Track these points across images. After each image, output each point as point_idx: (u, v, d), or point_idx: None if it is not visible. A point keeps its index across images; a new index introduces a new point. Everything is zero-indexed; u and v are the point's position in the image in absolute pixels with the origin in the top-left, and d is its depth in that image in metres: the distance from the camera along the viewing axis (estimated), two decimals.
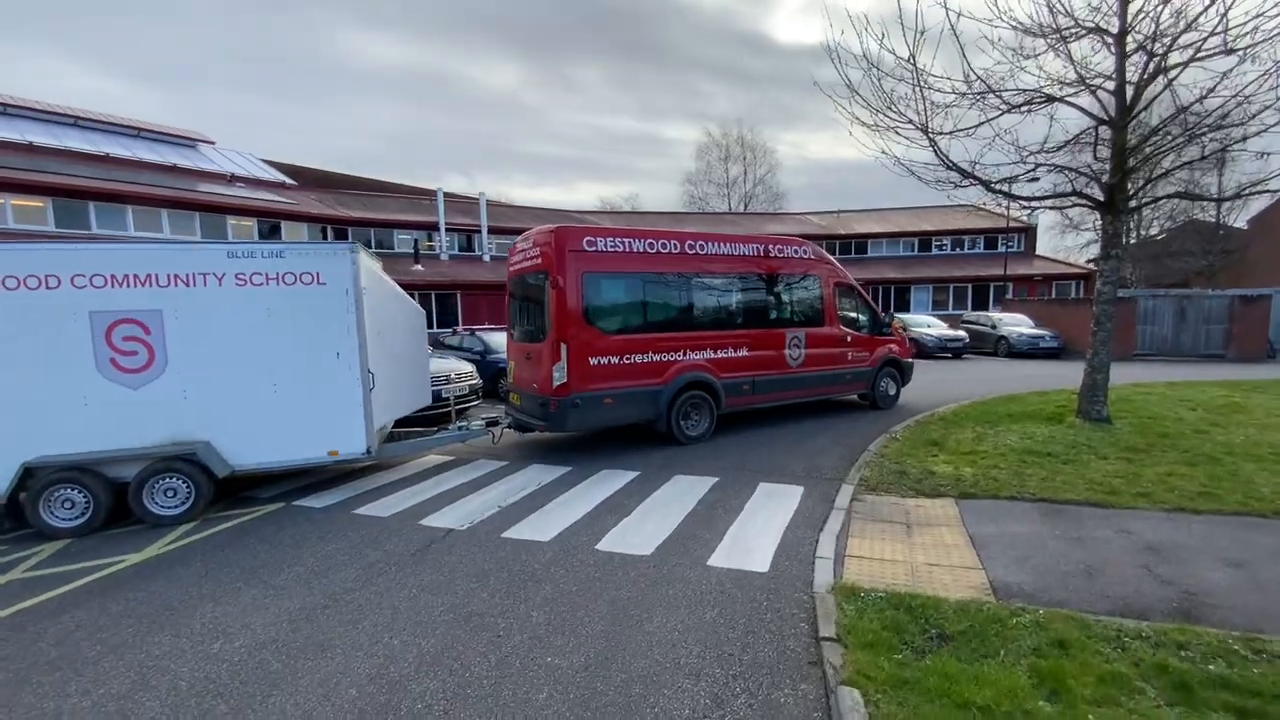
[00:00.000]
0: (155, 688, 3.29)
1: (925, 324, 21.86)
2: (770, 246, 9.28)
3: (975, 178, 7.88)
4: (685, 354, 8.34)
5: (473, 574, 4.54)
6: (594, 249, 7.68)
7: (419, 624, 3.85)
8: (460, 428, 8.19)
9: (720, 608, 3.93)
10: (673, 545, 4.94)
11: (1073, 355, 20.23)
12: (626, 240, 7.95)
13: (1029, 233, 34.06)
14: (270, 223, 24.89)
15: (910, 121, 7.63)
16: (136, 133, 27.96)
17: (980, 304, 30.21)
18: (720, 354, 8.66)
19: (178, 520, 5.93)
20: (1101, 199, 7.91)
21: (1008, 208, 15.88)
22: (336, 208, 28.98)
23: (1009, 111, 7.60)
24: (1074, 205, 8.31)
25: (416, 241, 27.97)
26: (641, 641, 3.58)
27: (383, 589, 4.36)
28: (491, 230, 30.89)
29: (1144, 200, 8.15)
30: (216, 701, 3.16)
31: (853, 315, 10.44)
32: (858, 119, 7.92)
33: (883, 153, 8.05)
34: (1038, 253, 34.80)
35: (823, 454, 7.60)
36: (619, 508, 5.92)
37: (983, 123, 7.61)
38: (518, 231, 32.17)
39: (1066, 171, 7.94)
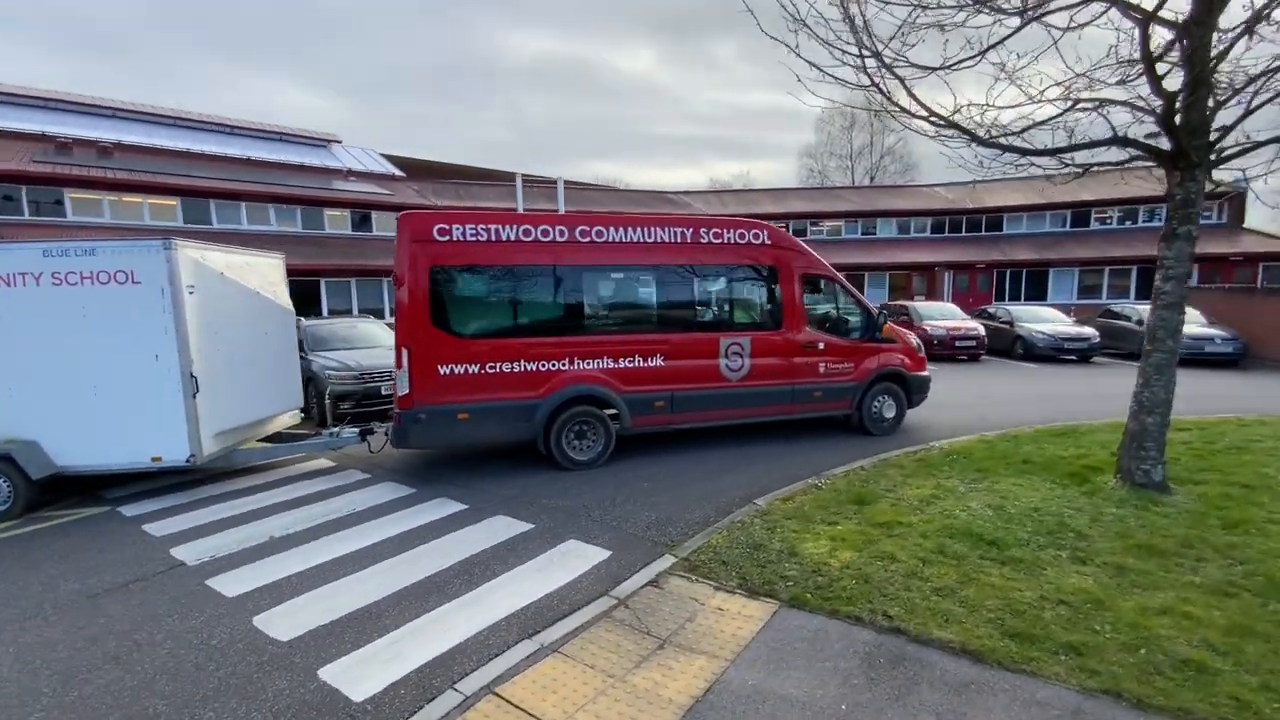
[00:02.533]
0: None
1: (1039, 317, 17.71)
2: (703, 231, 7.48)
3: (958, 127, 5.47)
4: (573, 363, 6.98)
5: (90, 637, 3.84)
6: (448, 238, 6.59)
7: None
8: (331, 434, 7.65)
9: None
10: (331, 631, 3.84)
11: (1261, 365, 15.20)
12: (492, 227, 6.74)
13: (1235, 201, 26.20)
14: (362, 213, 26.85)
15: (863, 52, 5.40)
16: (279, 136, 31.76)
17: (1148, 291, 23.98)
18: (624, 363, 7.16)
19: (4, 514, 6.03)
20: (1167, 148, 5.09)
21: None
22: (430, 198, 30.51)
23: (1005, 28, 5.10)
24: (1118, 166, 5.49)
25: None
26: None
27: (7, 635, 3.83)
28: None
29: (1234, 150, 5.09)
30: None
31: (830, 316, 8.23)
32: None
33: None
34: (1248, 226, 26.71)
35: (712, 499, 5.89)
36: (379, 554, 4.93)
37: (968, 58, 5.18)
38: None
39: (1106, 107, 5.19)
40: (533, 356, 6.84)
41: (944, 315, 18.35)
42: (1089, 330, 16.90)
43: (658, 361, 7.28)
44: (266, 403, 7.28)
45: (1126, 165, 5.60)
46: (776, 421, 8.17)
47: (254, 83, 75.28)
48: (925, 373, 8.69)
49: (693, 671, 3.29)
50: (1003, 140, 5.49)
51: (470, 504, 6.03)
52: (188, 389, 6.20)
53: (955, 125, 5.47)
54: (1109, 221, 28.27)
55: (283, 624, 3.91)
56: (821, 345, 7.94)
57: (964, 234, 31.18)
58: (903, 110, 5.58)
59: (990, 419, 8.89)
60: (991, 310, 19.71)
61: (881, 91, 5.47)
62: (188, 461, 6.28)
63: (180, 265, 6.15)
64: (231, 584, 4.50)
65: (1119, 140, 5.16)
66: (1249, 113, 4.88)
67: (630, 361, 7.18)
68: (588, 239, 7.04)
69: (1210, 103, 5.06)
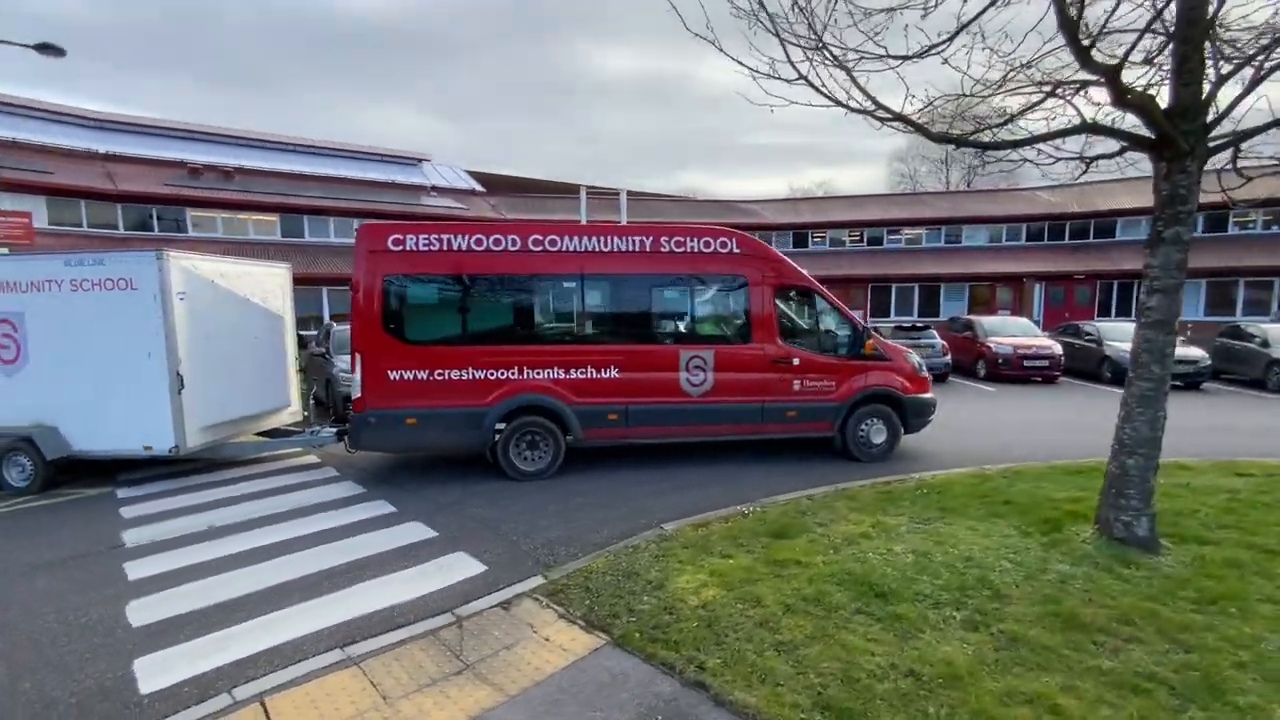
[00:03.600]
0: None
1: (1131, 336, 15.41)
2: (663, 240, 7.20)
3: (902, 117, 4.86)
4: (521, 372, 6.95)
5: None
6: (401, 248, 6.80)
7: None
8: (312, 432, 8.13)
9: None
10: (184, 621, 4.03)
11: None
12: (444, 237, 6.88)
13: None
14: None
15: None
16: (378, 157, 34.73)
17: None
18: (574, 374, 7.02)
19: (24, 491, 6.94)
20: (1152, 135, 4.20)
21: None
22: (502, 211, 32.01)
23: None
24: (1115, 155, 4.58)
25: None
26: None
27: None
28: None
29: (1232, 136, 4.06)
30: None
31: (808, 330, 7.62)
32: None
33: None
34: None
35: (632, 520, 5.59)
36: (289, 548, 5.16)
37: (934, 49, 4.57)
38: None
39: (1087, 89, 4.37)
40: (481, 364, 6.88)
41: (1013, 331, 16.52)
42: (1196, 352, 14.46)
43: (612, 373, 7.07)
44: (252, 400, 7.87)
45: (1114, 156, 4.69)
46: (761, 441, 7.69)
47: (374, 108, 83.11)
48: (927, 395, 7.79)
49: (466, 703, 3.11)
50: (954, 133, 4.82)
51: (401, 508, 6.16)
52: (174, 385, 6.85)
53: (903, 118, 4.87)
54: (1252, 226, 24.21)
55: (148, 611, 4.17)
56: (796, 361, 7.35)
57: (1065, 241, 27.96)
58: (838, 104, 5.05)
59: (1014, 449, 7.81)
60: (1079, 327, 17.48)
61: (812, 85, 4.98)
62: (171, 451, 6.92)
63: (171, 274, 6.82)
64: (141, 569, 4.87)
65: (1088, 127, 4.34)
66: (1260, 79, 3.92)
67: (582, 372, 7.03)
68: (540, 248, 7.00)
69: (1210, 74, 4.15)
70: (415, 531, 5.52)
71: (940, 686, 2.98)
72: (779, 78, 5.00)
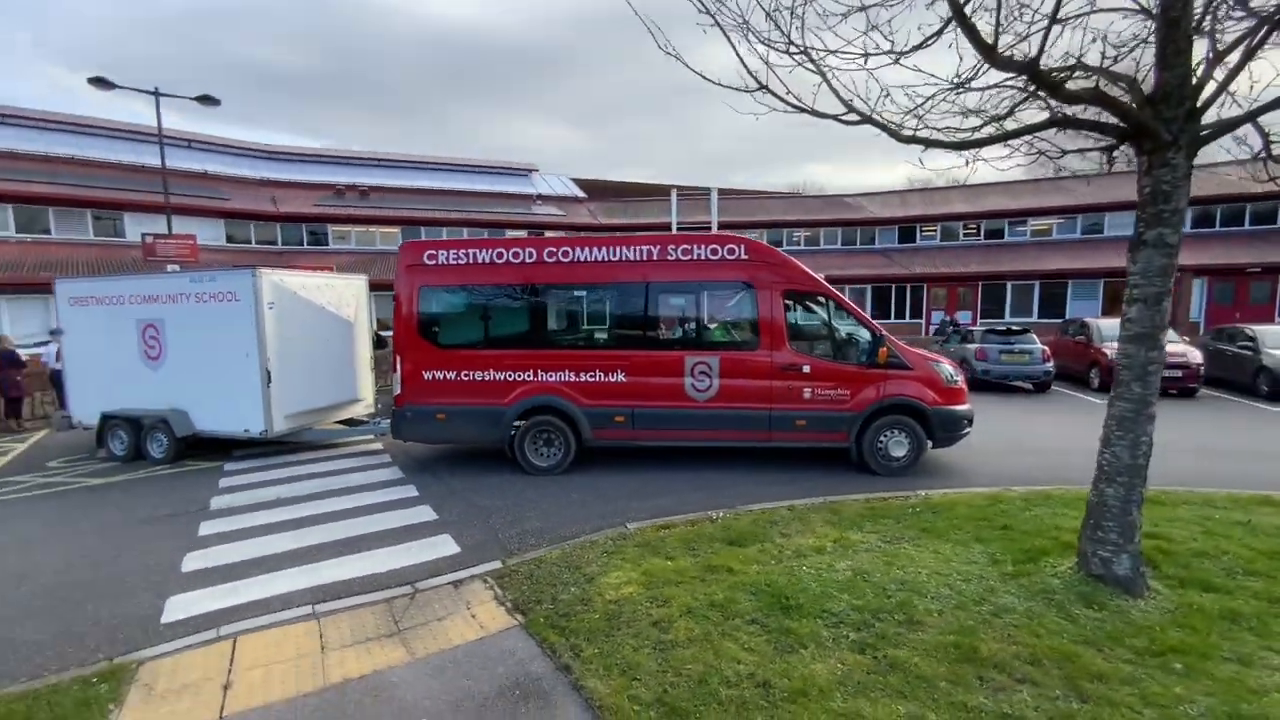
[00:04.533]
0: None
1: None
2: (670, 248, 7.38)
3: (876, 123, 4.71)
4: (536, 374, 7.51)
5: (110, 546, 5.62)
6: (435, 262, 7.65)
7: (43, 555, 5.15)
8: (376, 422, 9.32)
9: None
10: (217, 571, 5.03)
11: None
12: (470, 251, 7.62)
13: None
14: (536, 233, 30.48)
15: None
16: (491, 170, 37.68)
17: None
18: (584, 377, 7.46)
19: (162, 462, 8.74)
20: (1126, 125, 3.72)
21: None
22: (598, 216, 33.31)
23: None
24: (1073, 150, 4.06)
25: None
26: None
27: (83, 528, 5.84)
28: (723, 225, 30.74)
29: (1217, 124, 3.39)
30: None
31: (820, 337, 7.40)
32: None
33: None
34: None
35: (609, 518, 5.91)
36: (323, 520, 6.11)
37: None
38: (753, 225, 31.45)
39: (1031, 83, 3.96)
40: (501, 367, 7.54)
41: None
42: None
43: (619, 377, 7.41)
44: (327, 393, 9.20)
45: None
46: (779, 450, 7.60)
47: (507, 122, 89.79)
48: (958, 407, 7.23)
49: (378, 660, 3.65)
50: (921, 135, 4.58)
51: (422, 492, 6.98)
52: (264, 379, 8.26)
53: (872, 121, 4.72)
54: None
55: (197, 560, 5.23)
56: (807, 368, 7.19)
57: (1243, 228, 23.56)
58: (803, 110, 4.98)
59: (1068, 472, 6.97)
60: (1237, 331, 14.79)
61: (774, 94, 4.96)
62: (261, 434, 8.36)
63: (263, 287, 8.23)
64: (211, 527, 6.06)
65: (1058, 121, 3.93)
66: (1243, 62, 3.36)
67: (591, 376, 7.44)
68: (554, 259, 7.50)
69: (1207, 53, 3.62)
70: (422, 514, 6.27)
71: (784, 700, 3.01)
72: (742, 89, 5.06)
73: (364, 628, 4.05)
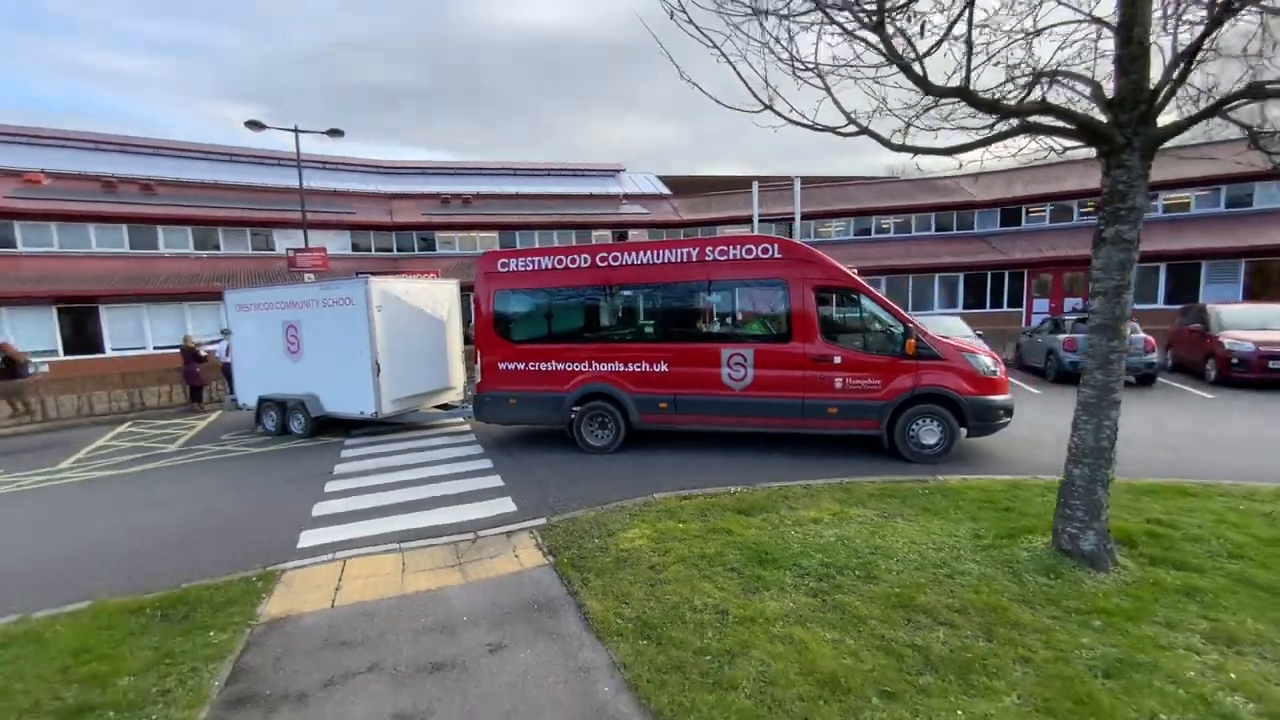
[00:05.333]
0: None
1: None
2: (709, 250, 8.06)
3: (867, 131, 5.20)
4: (590, 365, 8.53)
5: (247, 500, 7.35)
6: (506, 269, 8.87)
7: (218, 501, 6.98)
8: (465, 406, 10.79)
9: None
10: (338, 516, 6.50)
11: None
12: (535, 259, 8.75)
13: None
14: (620, 232, 31.79)
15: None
16: (580, 172, 39.55)
17: None
18: (632, 367, 8.37)
19: (301, 436, 10.75)
20: (1093, 124, 3.96)
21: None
22: (681, 213, 34.00)
23: None
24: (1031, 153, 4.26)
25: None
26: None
27: (246, 484, 7.66)
28: (806, 215, 30.28)
29: (1169, 127, 3.47)
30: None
31: (850, 329, 7.75)
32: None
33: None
34: None
35: (643, 491, 6.75)
36: (415, 482, 7.52)
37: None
38: (838, 214, 30.76)
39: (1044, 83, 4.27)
40: (561, 358, 8.64)
41: (1266, 322, 12.94)
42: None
43: (662, 367, 8.24)
44: (423, 382, 10.81)
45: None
46: (816, 437, 8.11)
47: (599, 121, 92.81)
48: (995, 397, 7.33)
49: (440, 580, 4.79)
50: (910, 144, 4.99)
51: (495, 465, 8.24)
52: (374, 370, 9.96)
53: (868, 132, 5.20)
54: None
55: (323, 508, 6.76)
56: (838, 359, 7.61)
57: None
58: (809, 125, 5.52)
59: (1121, 465, 6.89)
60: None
61: (779, 114, 5.54)
62: (372, 415, 10.08)
63: (373, 293, 9.91)
64: (333, 486, 7.65)
65: (1026, 128, 4.24)
66: (1188, 64, 3.54)
67: (638, 366, 8.33)
68: (605, 263, 8.45)
69: (1174, 60, 3.82)
70: (492, 481, 7.49)
71: (734, 623, 3.74)
72: (744, 110, 5.70)
73: (434, 560, 5.23)
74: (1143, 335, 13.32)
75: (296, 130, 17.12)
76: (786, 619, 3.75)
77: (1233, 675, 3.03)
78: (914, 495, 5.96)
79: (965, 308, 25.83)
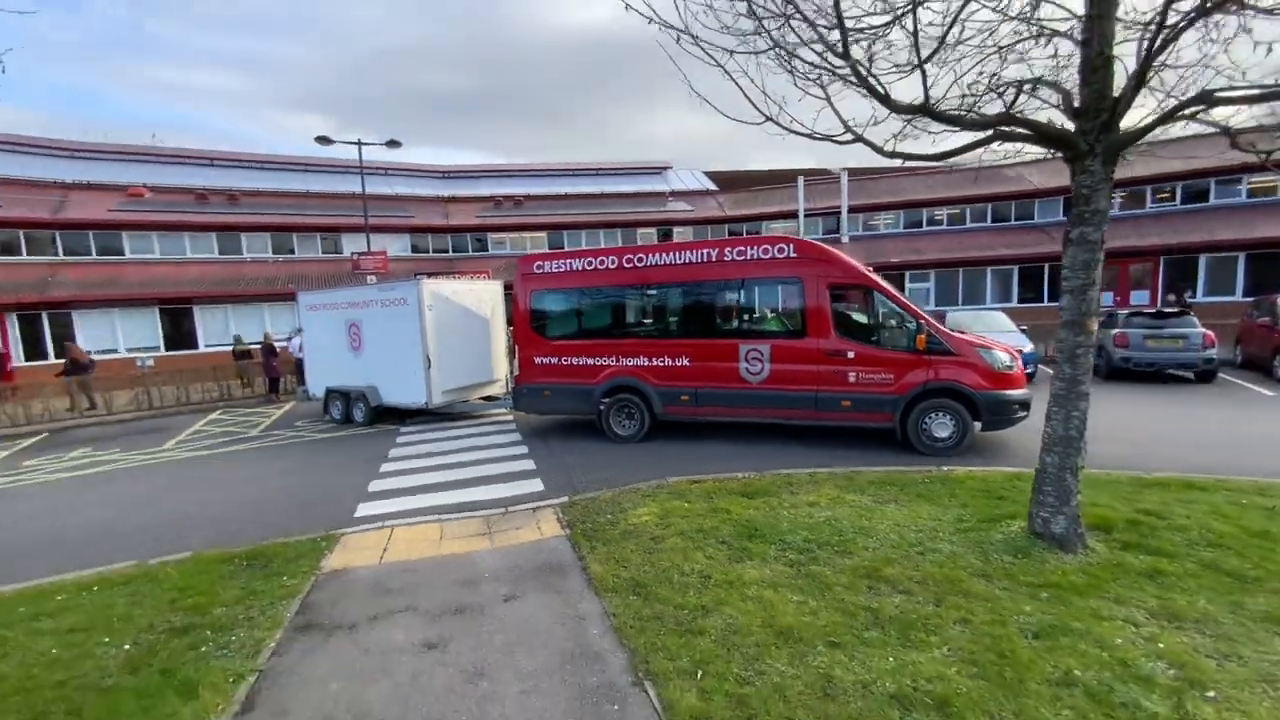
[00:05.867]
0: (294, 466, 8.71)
1: None
2: (727, 250, 8.49)
3: (861, 138, 5.55)
4: (617, 359, 9.14)
5: (312, 474, 8.38)
6: (541, 271, 9.58)
7: (290, 477, 8.05)
8: (508, 398, 11.63)
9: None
10: (391, 490, 7.38)
11: None
12: (568, 261, 9.42)
13: None
14: (664, 230, 32.25)
15: None
16: (627, 171, 40.19)
17: None
18: (656, 361, 8.91)
19: (362, 424, 11.89)
20: (1054, 132, 4.19)
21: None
22: (725, 208, 34.12)
23: None
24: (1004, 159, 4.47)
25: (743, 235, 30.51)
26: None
27: (314, 463, 8.72)
28: (854, 209, 29.89)
29: (1129, 133, 3.62)
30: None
31: (864, 325, 8.01)
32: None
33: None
34: None
35: (658, 475, 7.29)
36: (456, 464, 8.36)
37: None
38: (887, 208, 30.14)
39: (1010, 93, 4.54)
40: (591, 354, 9.29)
41: None
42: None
43: (684, 362, 8.75)
44: (470, 375, 11.72)
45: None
46: (833, 430, 8.45)
47: (647, 115, 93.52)
48: (1010, 392, 7.45)
49: (470, 546, 5.51)
50: (900, 150, 5.31)
51: (530, 451, 8.99)
52: (425, 364, 10.94)
53: (862, 139, 5.55)
54: None
55: (378, 484, 7.68)
56: (851, 354, 7.90)
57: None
58: (809, 135, 5.89)
59: (1147, 460, 6.80)
60: None
61: (780, 125, 5.95)
62: (424, 405, 11.07)
63: (424, 294, 10.87)
64: (388, 467, 8.60)
65: (1001, 135, 4.51)
66: (1142, 76, 3.75)
67: (660, 360, 8.87)
68: (630, 264, 9.02)
69: (1134, 72, 4.03)
70: (525, 465, 8.23)
71: (714, 586, 4.25)
72: (748, 121, 6.13)
73: (467, 529, 5.97)
74: (1200, 330, 12.74)
75: (360, 143, 18.55)
76: (761, 584, 4.23)
77: (1162, 645, 3.30)
78: (913, 484, 6.25)
79: (1019, 302, 24.91)
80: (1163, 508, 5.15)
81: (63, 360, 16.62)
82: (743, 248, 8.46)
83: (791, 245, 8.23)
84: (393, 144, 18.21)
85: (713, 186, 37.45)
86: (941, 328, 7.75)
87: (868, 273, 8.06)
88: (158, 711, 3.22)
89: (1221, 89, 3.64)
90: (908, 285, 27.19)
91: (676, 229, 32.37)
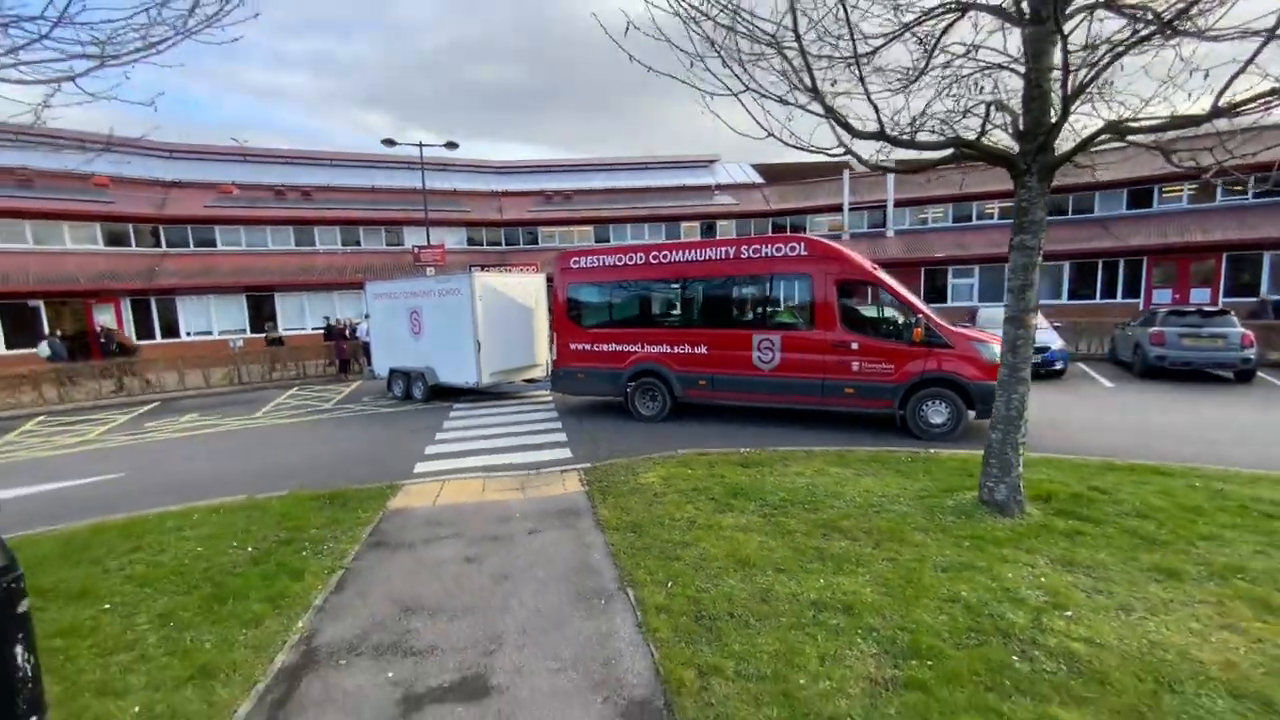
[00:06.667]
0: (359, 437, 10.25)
1: None
2: (743, 248, 9.30)
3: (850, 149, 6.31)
4: (642, 346, 10.12)
5: (375, 438, 9.76)
6: (577, 265, 10.65)
7: (360, 442, 9.48)
8: (548, 380, 12.81)
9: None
10: (442, 454, 8.64)
11: None
12: (601, 256, 10.44)
13: None
14: (708, 223, 32.87)
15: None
16: (674, 164, 40.86)
17: None
18: (677, 349, 9.84)
19: (420, 401, 13.34)
20: (995, 152, 4.85)
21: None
22: (771, 201, 34.35)
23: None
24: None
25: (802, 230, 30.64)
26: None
27: (379, 431, 10.15)
28: (900, 202, 29.68)
29: (1060, 156, 4.19)
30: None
31: (868, 318, 8.66)
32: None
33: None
34: None
35: (672, 448, 8.27)
36: (500, 436, 9.58)
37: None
38: (934, 201, 29.76)
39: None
40: (619, 341, 10.31)
41: None
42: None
43: (702, 350, 9.64)
44: (515, 359, 12.96)
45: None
46: (842, 416, 9.19)
47: (697, 106, 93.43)
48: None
49: (506, 497, 6.64)
50: (883, 162, 6.03)
51: (564, 426, 10.11)
52: (476, 348, 12.24)
53: (852, 153, 6.30)
54: None
55: (434, 448, 8.97)
56: (855, 345, 8.59)
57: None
58: (805, 148, 6.66)
59: (1143, 451, 7.23)
60: None
61: (780, 139, 6.74)
62: (474, 385, 12.39)
63: (475, 285, 12.15)
64: (442, 435, 9.91)
65: (962, 155, 5.18)
66: (1068, 109, 4.39)
67: (681, 348, 9.79)
68: (656, 260, 9.96)
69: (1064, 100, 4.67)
70: (558, 437, 9.36)
71: (696, 529, 5.19)
72: (752, 136, 6.94)
73: (505, 485, 7.11)
74: (1240, 329, 12.59)
75: (421, 145, 20.17)
76: (735, 529, 5.15)
77: (1044, 580, 4.03)
78: (897, 462, 6.97)
79: (1070, 298, 24.33)
80: (1113, 486, 5.73)
81: (138, 344, 18.83)
82: (758, 246, 9.25)
83: (803, 244, 8.97)
84: (450, 145, 19.73)
85: (759, 179, 37.65)
86: (940, 322, 8.34)
87: (873, 269, 8.71)
88: (277, 586, 4.46)
89: (1127, 119, 4.25)
90: (950, 280, 26.95)
91: (720, 223, 32.93)
